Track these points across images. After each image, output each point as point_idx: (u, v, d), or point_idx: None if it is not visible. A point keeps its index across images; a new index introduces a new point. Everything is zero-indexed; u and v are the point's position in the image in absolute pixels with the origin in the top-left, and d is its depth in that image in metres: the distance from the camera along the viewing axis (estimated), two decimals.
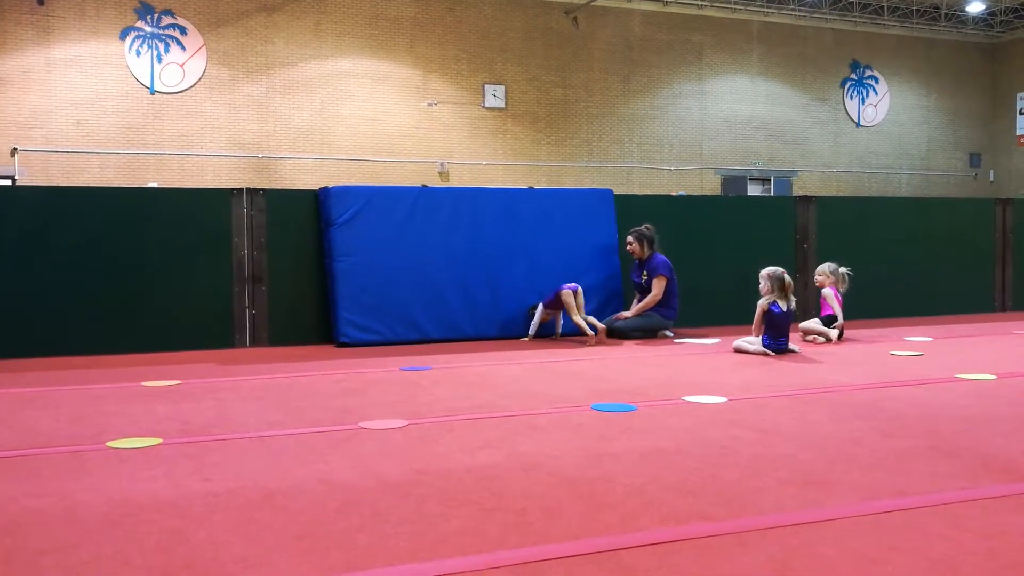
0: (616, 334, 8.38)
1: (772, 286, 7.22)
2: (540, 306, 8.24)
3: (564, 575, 2.57)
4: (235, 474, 3.61)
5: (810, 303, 9.51)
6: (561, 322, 8.39)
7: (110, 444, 4.14)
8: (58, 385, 5.89)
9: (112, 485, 3.47)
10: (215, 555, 2.73)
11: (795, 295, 7.43)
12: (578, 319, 8.01)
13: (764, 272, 7.33)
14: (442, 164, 22.07)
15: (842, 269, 8.30)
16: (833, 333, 7.95)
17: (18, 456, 3.96)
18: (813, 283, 8.76)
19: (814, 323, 8.12)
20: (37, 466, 3.78)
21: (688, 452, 3.93)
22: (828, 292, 8.16)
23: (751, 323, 7.30)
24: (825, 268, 8.34)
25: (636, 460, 3.79)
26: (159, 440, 4.21)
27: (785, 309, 7.16)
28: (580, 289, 8.11)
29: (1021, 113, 27.70)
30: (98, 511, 3.15)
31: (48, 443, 4.20)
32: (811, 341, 7.92)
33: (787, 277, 7.28)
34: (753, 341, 7.20)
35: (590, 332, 7.95)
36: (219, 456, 3.92)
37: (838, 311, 8.06)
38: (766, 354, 7.04)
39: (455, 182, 21.75)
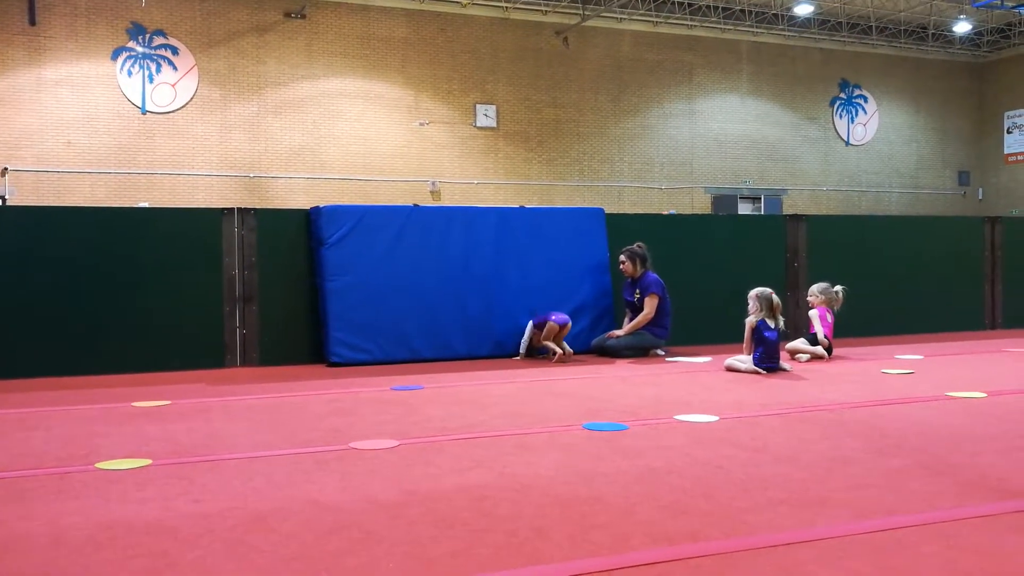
0: (608, 353, 8.38)
1: (760, 306, 7.24)
2: (530, 324, 8.24)
3: None
4: (225, 495, 3.59)
5: (801, 322, 9.52)
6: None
7: (99, 465, 4.11)
8: (47, 406, 5.86)
9: (101, 507, 3.45)
10: None
11: (785, 314, 7.44)
12: (549, 343, 8.05)
13: (752, 293, 7.35)
14: (433, 183, 22.11)
15: (836, 288, 8.32)
16: (817, 350, 7.96)
17: (5, 478, 3.93)
18: (804, 302, 8.78)
19: (800, 343, 8.14)
20: (24, 488, 3.75)
21: (680, 471, 3.92)
22: (814, 313, 8.21)
23: (742, 342, 7.32)
24: (815, 289, 8.38)
25: (627, 480, 3.78)
26: (148, 461, 4.19)
27: (774, 328, 7.18)
28: (569, 324, 8.12)
29: (1009, 132, 27.91)
30: (86, 533, 3.12)
31: (36, 464, 4.17)
32: (798, 360, 7.92)
33: (775, 297, 7.30)
34: (744, 359, 7.21)
35: (557, 350, 7.99)
36: (209, 477, 3.89)
37: (819, 329, 8.07)
38: (757, 372, 7.04)
39: (447, 201, 21.79)
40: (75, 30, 19.32)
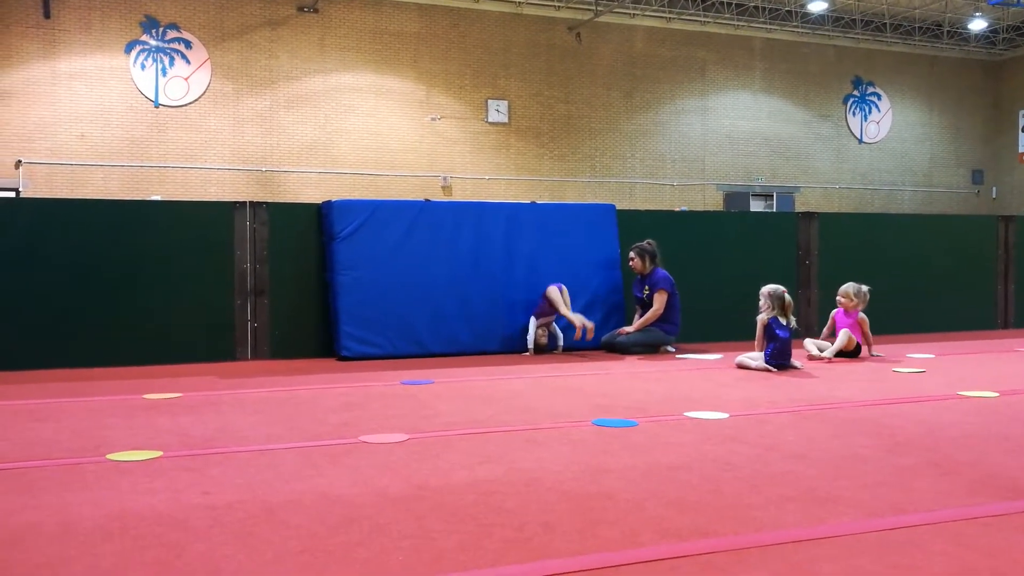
0: (618, 349, 8.38)
1: (772, 304, 7.22)
2: (532, 320, 8.25)
3: None
4: (235, 488, 3.60)
5: (812, 320, 9.51)
6: (561, 336, 8.40)
7: (110, 456, 4.13)
8: (59, 397, 5.89)
9: (111, 498, 3.46)
10: (214, 569, 2.72)
11: (796, 313, 7.40)
12: (568, 313, 8.13)
13: (764, 290, 7.33)
14: (445, 178, 22.11)
15: (865, 288, 8.07)
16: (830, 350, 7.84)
17: (17, 468, 3.95)
18: (816, 300, 8.73)
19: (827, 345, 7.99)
20: (36, 478, 3.77)
21: (689, 468, 3.91)
22: (862, 317, 7.97)
23: (753, 339, 7.30)
24: (851, 291, 8.00)
25: (637, 476, 3.78)
26: (159, 453, 4.21)
27: (786, 326, 7.16)
28: (565, 288, 8.19)
29: (1023, 130, 27.73)
30: (97, 524, 3.14)
31: (48, 455, 4.19)
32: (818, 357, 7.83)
33: (787, 296, 7.27)
34: (755, 357, 7.19)
35: (577, 323, 8.12)
36: (219, 469, 3.91)
37: (869, 340, 7.98)
38: (768, 370, 7.02)
39: (458, 196, 21.78)
40: (89, 23, 19.38)
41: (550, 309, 8.23)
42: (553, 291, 8.15)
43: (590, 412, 5.27)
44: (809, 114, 26.09)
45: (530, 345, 8.25)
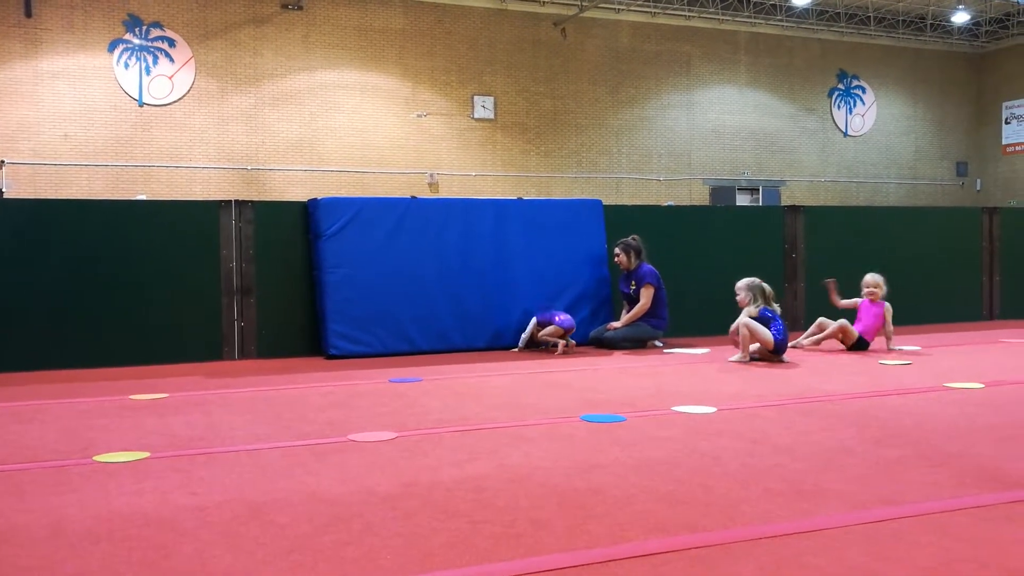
0: (606, 344, 8.39)
1: (755, 295, 7.21)
2: (534, 320, 8.24)
3: None
4: (223, 488, 3.59)
5: (799, 313, 9.54)
6: None
7: (97, 458, 4.11)
8: (45, 399, 5.86)
9: (99, 499, 3.45)
10: (202, 570, 2.71)
11: (783, 305, 7.44)
12: (553, 337, 8.09)
13: (740, 284, 7.31)
14: (431, 175, 22.07)
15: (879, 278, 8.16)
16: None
17: (3, 471, 3.93)
18: (802, 293, 8.76)
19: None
20: (23, 481, 3.75)
21: (677, 462, 3.92)
22: (888, 307, 8.01)
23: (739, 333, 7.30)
24: (879, 279, 8.05)
25: (625, 471, 3.79)
26: (146, 454, 4.19)
27: (777, 313, 7.17)
28: (573, 330, 8.12)
29: (1007, 122, 27.89)
30: (84, 526, 3.12)
31: (34, 457, 4.17)
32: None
33: (767, 286, 7.29)
34: (753, 349, 7.20)
35: (560, 342, 8.02)
36: (207, 470, 3.89)
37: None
38: (774, 353, 7.04)
39: (444, 193, 21.76)
40: (71, 22, 19.26)
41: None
42: (555, 330, 8.03)
43: (578, 408, 5.27)
44: (794, 108, 26.17)
45: (521, 343, 8.25)
